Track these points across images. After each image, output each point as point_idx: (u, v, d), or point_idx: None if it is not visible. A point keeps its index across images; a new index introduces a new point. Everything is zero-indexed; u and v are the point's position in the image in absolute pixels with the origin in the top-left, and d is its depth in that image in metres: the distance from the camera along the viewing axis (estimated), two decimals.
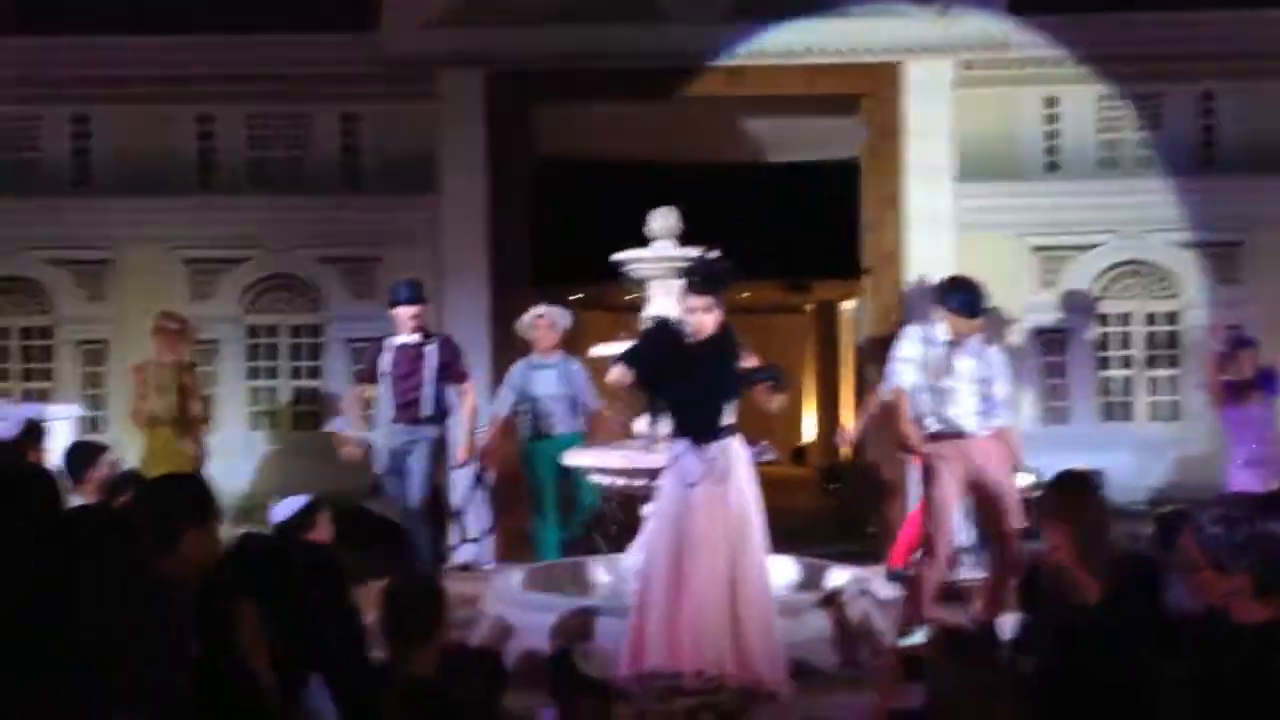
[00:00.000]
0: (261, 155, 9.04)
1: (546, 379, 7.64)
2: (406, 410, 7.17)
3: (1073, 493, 3.93)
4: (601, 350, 6.38)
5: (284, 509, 4.79)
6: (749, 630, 4.85)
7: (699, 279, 5.09)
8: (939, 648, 3.62)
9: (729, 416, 5.03)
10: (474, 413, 7.50)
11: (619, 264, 6.36)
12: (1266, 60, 8.58)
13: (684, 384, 4.97)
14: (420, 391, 7.18)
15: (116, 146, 8.99)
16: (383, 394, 7.27)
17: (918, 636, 4.09)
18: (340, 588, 3.71)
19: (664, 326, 5.21)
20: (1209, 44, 8.56)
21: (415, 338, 7.22)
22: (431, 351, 7.22)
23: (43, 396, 8.56)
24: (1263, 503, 2.68)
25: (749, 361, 5.12)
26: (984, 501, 5.95)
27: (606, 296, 10.92)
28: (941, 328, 6.04)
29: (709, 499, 4.87)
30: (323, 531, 4.86)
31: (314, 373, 9.07)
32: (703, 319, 5.01)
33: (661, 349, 5.04)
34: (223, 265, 8.99)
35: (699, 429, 4.93)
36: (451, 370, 7.30)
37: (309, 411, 9.04)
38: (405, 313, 7.21)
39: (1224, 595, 2.61)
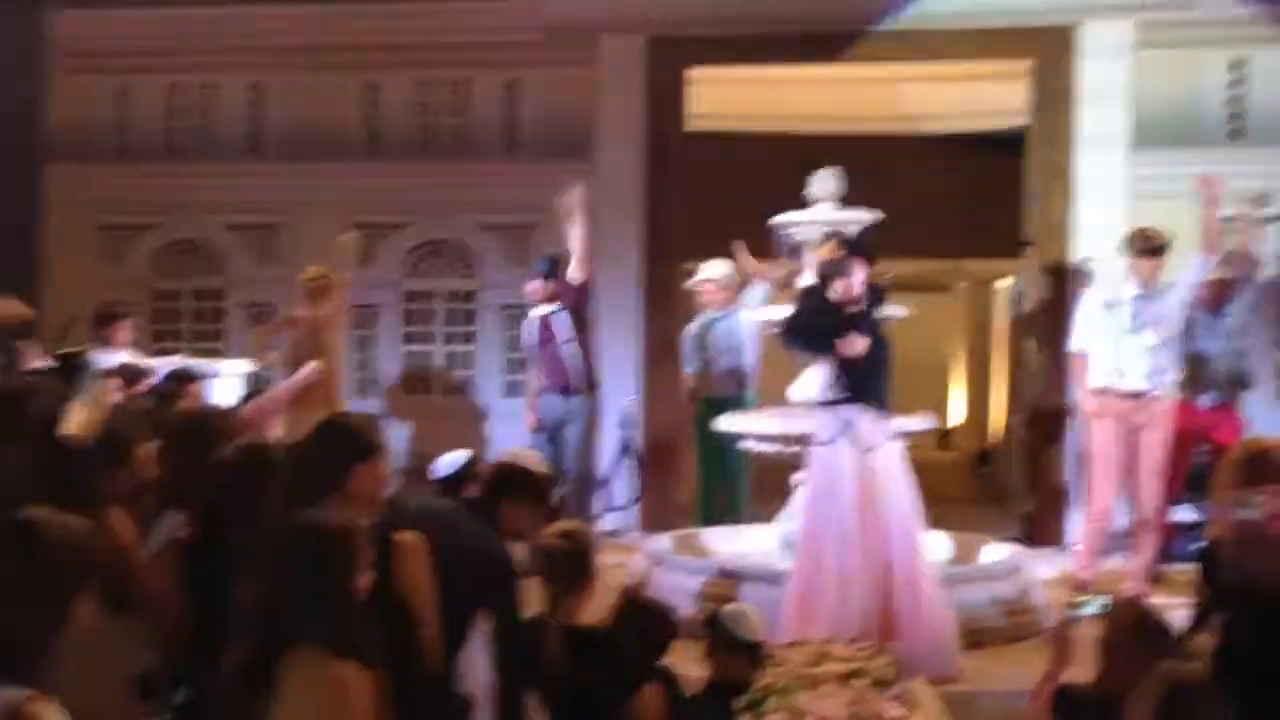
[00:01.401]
0: (426, 122, 9.23)
1: (718, 336, 7.62)
2: (554, 380, 7.29)
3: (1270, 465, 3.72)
4: (761, 314, 6.35)
5: (447, 464, 4.89)
6: (922, 602, 4.80)
7: (855, 248, 5.02)
8: (1117, 624, 3.46)
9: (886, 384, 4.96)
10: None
11: (771, 234, 6.29)
12: None
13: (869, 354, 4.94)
14: (562, 363, 7.28)
15: (287, 114, 9.30)
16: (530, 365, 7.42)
17: (1090, 609, 3.96)
18: (498, 539, 3.75)
19: (818, 293, 5.13)
20: None
21: (545, 309, 7.32)
22: (561, 320, 7.25)
23: (212, 357, 8.91)
24: None
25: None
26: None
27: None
28: (1129, 283, 6.08)
29: (886, 465, 4.86)
30: (474, 489, 4.95)
31: (467, 338, 9.22)
32: (853, 284, 4.93)
33: (828, 316, 4.99)
34: (385, 231, 9.21)
35: (876, 394, 4.91)
36: (581, 336, 7.33)
37: (465, 376, 9.21)
38: (531, 287, 7.38)
39: None
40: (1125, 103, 8.26)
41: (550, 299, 7.34)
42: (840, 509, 4.83)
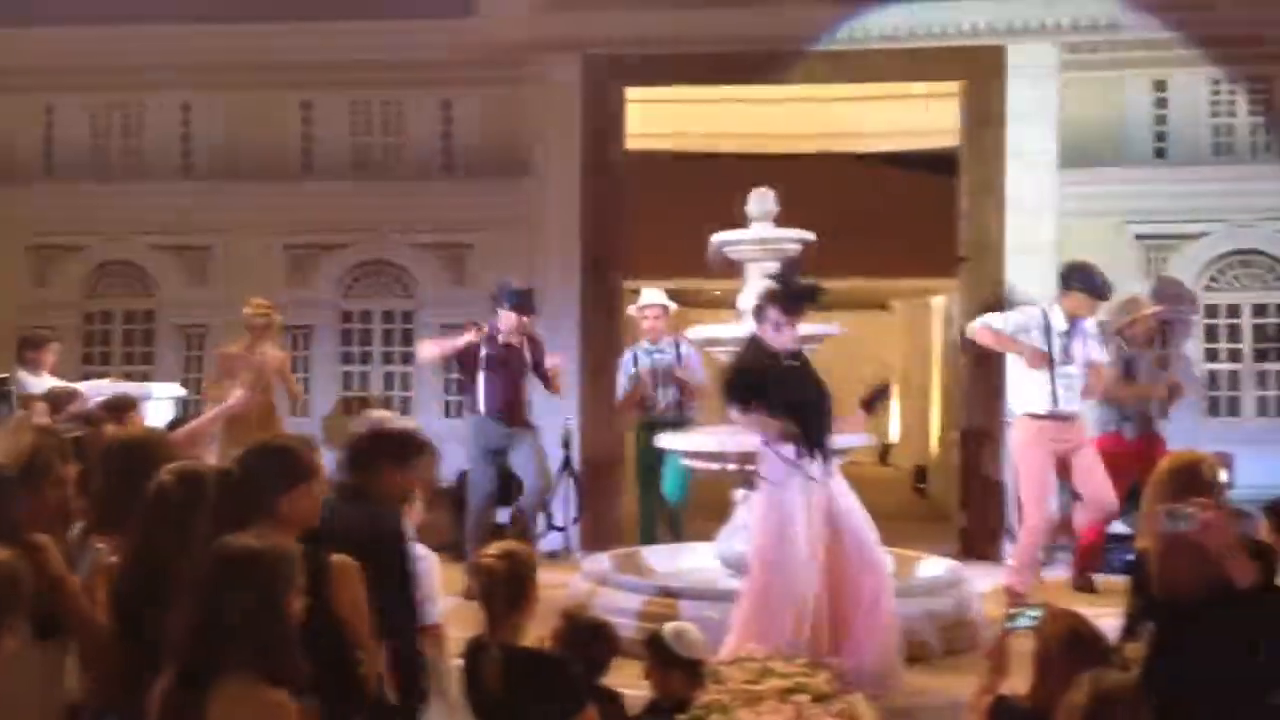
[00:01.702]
0: (362, 141, 9.17)
1: (655, 364, 7.63)
2: (500, 407, 7.04)
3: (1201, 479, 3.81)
4: (702, 332, 6.37)
5: None
6: (877, 621, 4.89)
7: (789, 299, 5.07)
8: (1049, 635, 3.50)
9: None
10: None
11: (711, 255, 6.32)
12: None
13: (806, 400, 5.02)
14: (518, 391, 7.09)
15: (219, 134, 9.18)
16: (480, 386, 7.07)
17: (1024, 621, 3.98)
18: (405, 555, 3.71)
19: (757, 352, 5.18)
20: None
21: (516, 339, 7.07)
22: (525, 352, 7.13)
23: (143, 379, 8.76)
24: None
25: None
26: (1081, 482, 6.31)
27: (696, 290, 10.89)
28: (1058, 313, 6.33)
29: (834, 497, 4.96)
30: (417, 508, 4.91)
31: (406, 358, 9.15)
32: (791, 335, 4.99)
33: (766, 373, 5.05)
34: (320, 251, 9.12)
35: (819, 436, 5.00)
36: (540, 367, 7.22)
37: (403, 397, 9.13)
38: (512, 319, 7.01)
39: None
40: (1053, 122, 8.43)
41: (522, 332, 7.06)
42: (794, 547, 4.88)
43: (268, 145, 9.13)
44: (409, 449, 3.88)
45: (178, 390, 8.27)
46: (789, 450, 4.97)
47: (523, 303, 7.03)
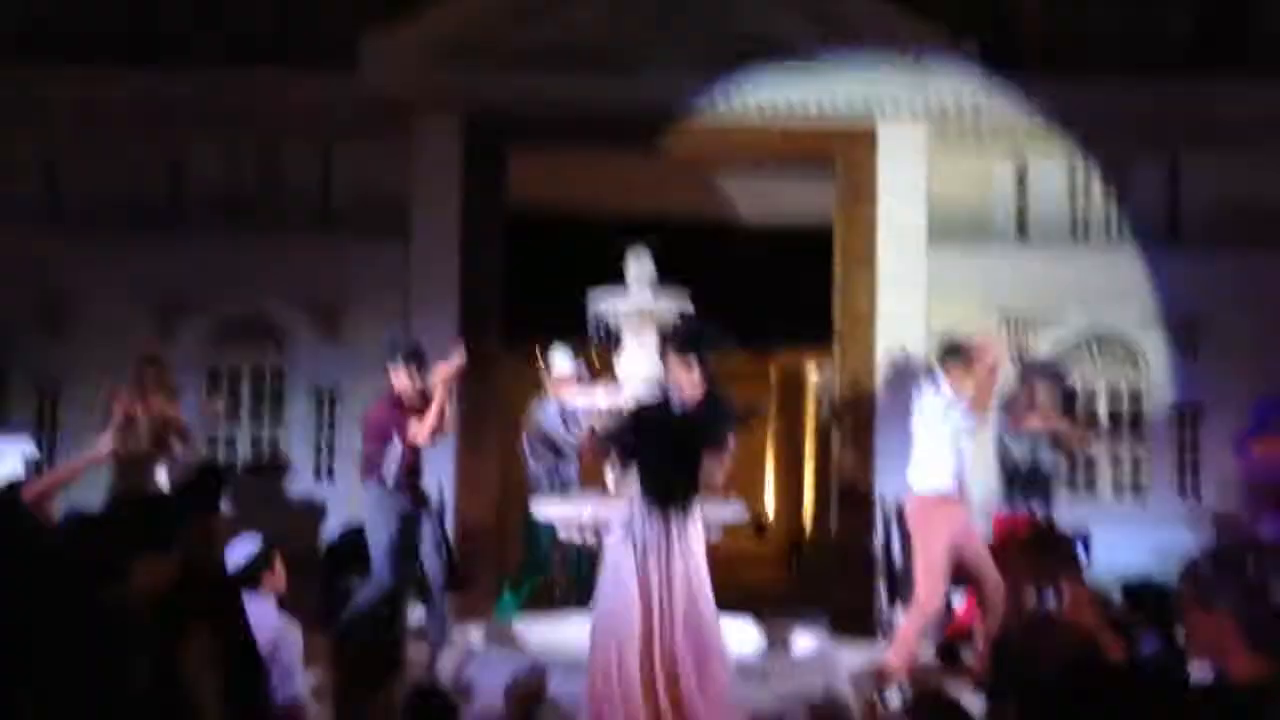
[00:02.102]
0: (235, 193, 8.94)
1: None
2: (413, 476, 6.69)
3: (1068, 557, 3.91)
4: (577, 398, 6.33)
5: (239, 550, 4.67)
6: (704, 692, 4.76)
7: (678, 339, 5.02)
8: (917, 712, 3.52)
9: (698, 482, 4.95)
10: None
11: (588, 319, 6.29)
12: (1234, 128, 8.64)
13: (657, 451, 4.90)
14: (418, 463, 6.72)
15: (88, 182, 8.85)
16: (389, 454, 6.63)
17: (894, 698, 4.01)
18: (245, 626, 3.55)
19: (648, 404, 5.11)
20: (1177, 111, 8.65)
21: (417, 400, 6.73)
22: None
23: None
24: (1265, 551, 2.61)
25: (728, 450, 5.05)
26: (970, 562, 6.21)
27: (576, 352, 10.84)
28: (946, 390, 6.33)
29: (660, 563, 4.81)
30: (279, 575, 4.74)
31: (276, 419, 8.89)
32: (685, 379, 4.91)
33: (637, 424, 4.95)
34: (190, 307, 8.84)
35: (667, 497, 4.86)
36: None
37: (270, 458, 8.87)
38: (401, 383, 6.69)
39: (1211, 639, 2.54)
40: (922, 200, 8.69)
41: (422, 396, 6.71)
42: (624, 607, 4.80)
43: (138, 196, 8.83)
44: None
45: (28, 445, 7.88)
46: (632, 500, 4.91)
47: (417, 356, 6.73)
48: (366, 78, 8.47)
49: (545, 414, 7.63)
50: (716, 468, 4.95)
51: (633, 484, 4.99)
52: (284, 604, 4.70)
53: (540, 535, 7.31)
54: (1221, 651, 2.58)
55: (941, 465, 6.27)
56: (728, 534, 5.66)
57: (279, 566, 4.73)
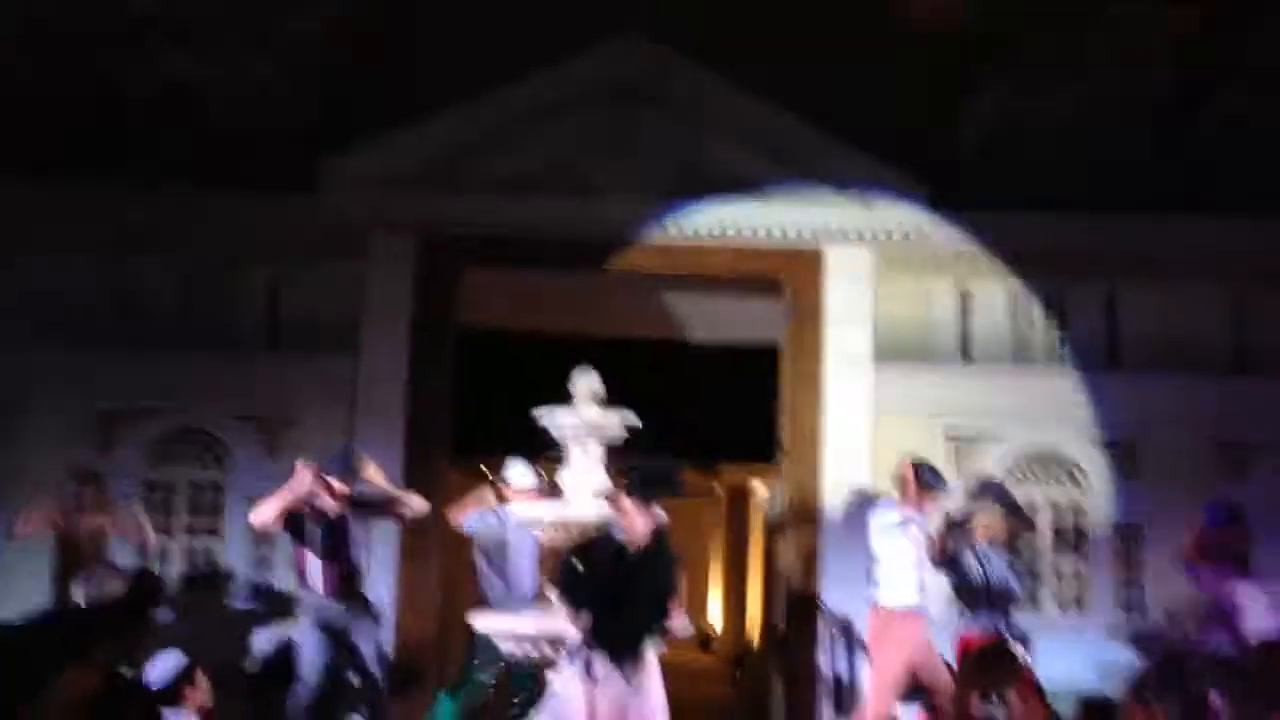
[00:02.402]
0: (184, 310, 8.91)
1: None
2: (348, 584, 6.66)
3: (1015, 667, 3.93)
4: (523, 511, 6.28)
5: (160, 666, 4.58)
6: None
7: (639, 480, 5.02)
8: None
9: (651, 627, 4.92)
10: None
11: (535, 439, 6.30)
12: (1169, 262, 8.98)
13: (609, 598, 4.87)
14: (351, 567, 6.68)
15: (31, 292, 8.79)
16: (312, 567, 6.64)
17: None
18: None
19: (588, 550, 5.09)
20: (1115, 243, 8.95)
21: (339, 510, 6.73)
22: (353, 524, 6.76)
23: None
24: (1203, 659, 2.65)
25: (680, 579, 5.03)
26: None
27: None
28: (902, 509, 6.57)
29: (619, 700, 4.75)
30: (201, 690, 4.65)
31: (213, 531, 8.73)
32: (635, 522, 4.91)
33: (589, 574, 4.91)
34: (133, 417, 8.74)
35: (620, 639, 4.84)
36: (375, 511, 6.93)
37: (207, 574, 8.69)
38: (336, 485, 6.70)
39: None
40: (869, 322, 8.85)
41: (349, 500, 6.72)
42: None
43: (81, 307, 8.78)
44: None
45: None
46: (579, 642, 4.84)
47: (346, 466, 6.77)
48: (324, 201, 8.58)
49: (486, 524, 7.49)
50: (674, 609, 4.96)
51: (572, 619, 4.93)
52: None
53: (483, 643, 7.18)
54: None
55: (904, 580, 6.36)
56: (672, 648, 5.61)
57: (201, 682, 4.64)
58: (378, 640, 6.74)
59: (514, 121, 8.78)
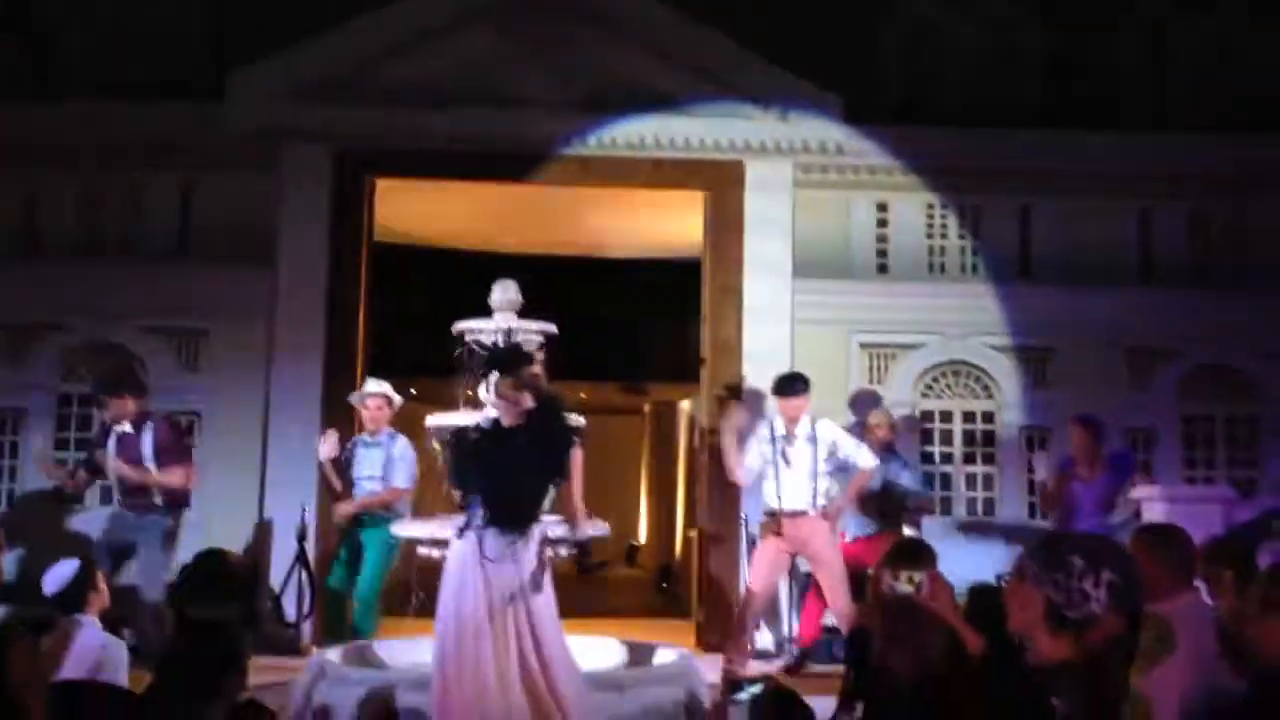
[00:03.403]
0: (92, 222, 8.76)
1: (372, 459, 7.46)
2: (132, 496, 7.10)
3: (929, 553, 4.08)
4: (439, 420, 6.31)
5: (56, 578, 4.58)
6: (552, 703, 4.80)
7: (497, 363, 5.09)
8: (759, 705, 3.62)
9: (536, 503, 5.00)
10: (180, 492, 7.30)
11: (455, 358, 6.31)
12: (1079, 178, 9.16)
13: (494, 474, 4.94)
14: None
15: None
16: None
17: (744, 695, 4.11)
18: None
19: (469, 430, 5.20)
20: (1027, 159, 9.10)
21: (127, 426, 7.20)
22: (146, 439, 7.12)
23: None
24: (1090, 542, 2.75)
25: (574, 466, 5.11)
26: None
27: (442, 391, 10.75)
28: (778, 421, 7.02)
29: (499, 581, 4.83)
30: (102, 593, 4.67)
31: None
32: (514, 397, 4.98)
33: (474, 453, 5.01)
34: (43, 332, 8.60)
35: (504, 517, 4.90)
36: (164, 454, 7.18)
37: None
38: (112, 406, 7.21)
39: (1022, 613, 2.67)
40: (787, 234, 8.94)
41: (120, 416, 7.19)
42: (461, 616, 4.82)
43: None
44: None
45: None
46: (468, 522, 4.95)
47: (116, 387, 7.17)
48: (232, 112, 8.41)
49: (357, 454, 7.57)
50: (568, 488, 5.06)
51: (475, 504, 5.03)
52: (106, 621, 4.63)
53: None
54: (1031, 628, 2.71)
55: (768, 485, 6.98)
56: (601, 559, 5.72)
57: (101, 585, 4.67)
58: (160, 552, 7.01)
59: (428, 30, 8.64)
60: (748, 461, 7.20)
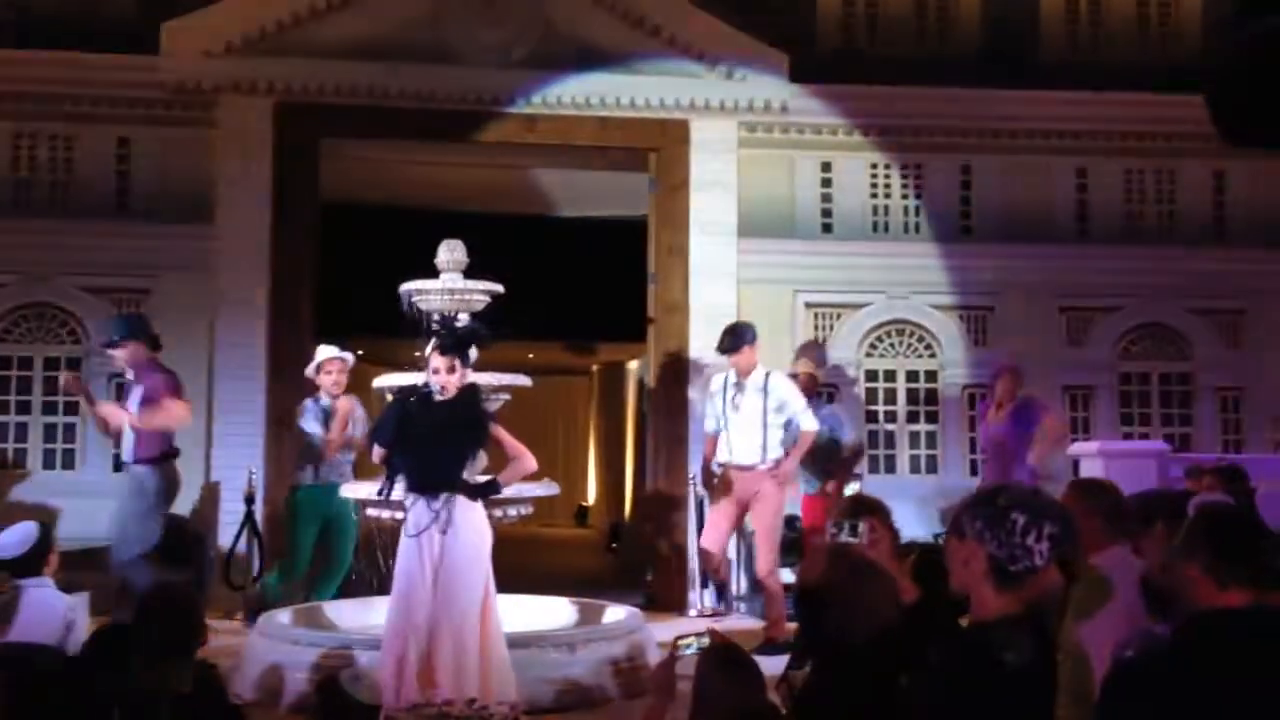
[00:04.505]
0: (28, 177, 8.58)
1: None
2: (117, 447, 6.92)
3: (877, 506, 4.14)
4: (387, 381, 6.30)
5: (15, 537, 4.54)
6: (479, 661, 4.95)
7: (444, 340, 5.18)
8: (702, 659, 3.66)
9: (460, 472, 5.12)
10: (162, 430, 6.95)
11: (402, 318, 6.30)
12: (1019, 136, 9.30)
13: (415, 443, 5.10)
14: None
15: None
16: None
17: (692, 648, 4.15)
18: None
19: (403, 394, 5.28)
20: (967, 119, 9.22)
21: (129, 375, 6.94)
22: (136, 390, 6.82)
23: None
24: (1028, 497, 2.78)
25: (498, 433, 5.26)
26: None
27: (389, 352, 10.73)
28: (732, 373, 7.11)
29: (430, 547, 4.98)
30: (56, 557, 4.64)
31: (70, 408, 8.53)
32: (446, 379, 5.09)
33: (399, 416, 5.13)
34: None
35: (424, 483, 5.06)
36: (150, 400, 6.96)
37: (67, 450, 8.54)
38: (114, 354, 6.96)
39: (962, 569, 2.72)
40: (733, 194, 8.97)
41: (129, 363, 6.84)
42: (406, 586, 4.97)
43: None
44: None
45: None
46: (403, 490, 5.08)
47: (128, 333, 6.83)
48: (166, 66, 8.27)
49: (305, 412, 7.52)
50: (515, 449, 5.16)
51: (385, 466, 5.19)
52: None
53: (301, 521, 7.29)
54: (974, 584, 2.76)
55: (732, 438, 7.01)
56: (551, 521, 5.78)
57: (56, 548, 4.64)
58: (133, 503, 6.69)
59: None
60: (706, 423, 7.30)
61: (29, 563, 4.48)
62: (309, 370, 7.51)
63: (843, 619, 3.65)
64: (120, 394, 7.59)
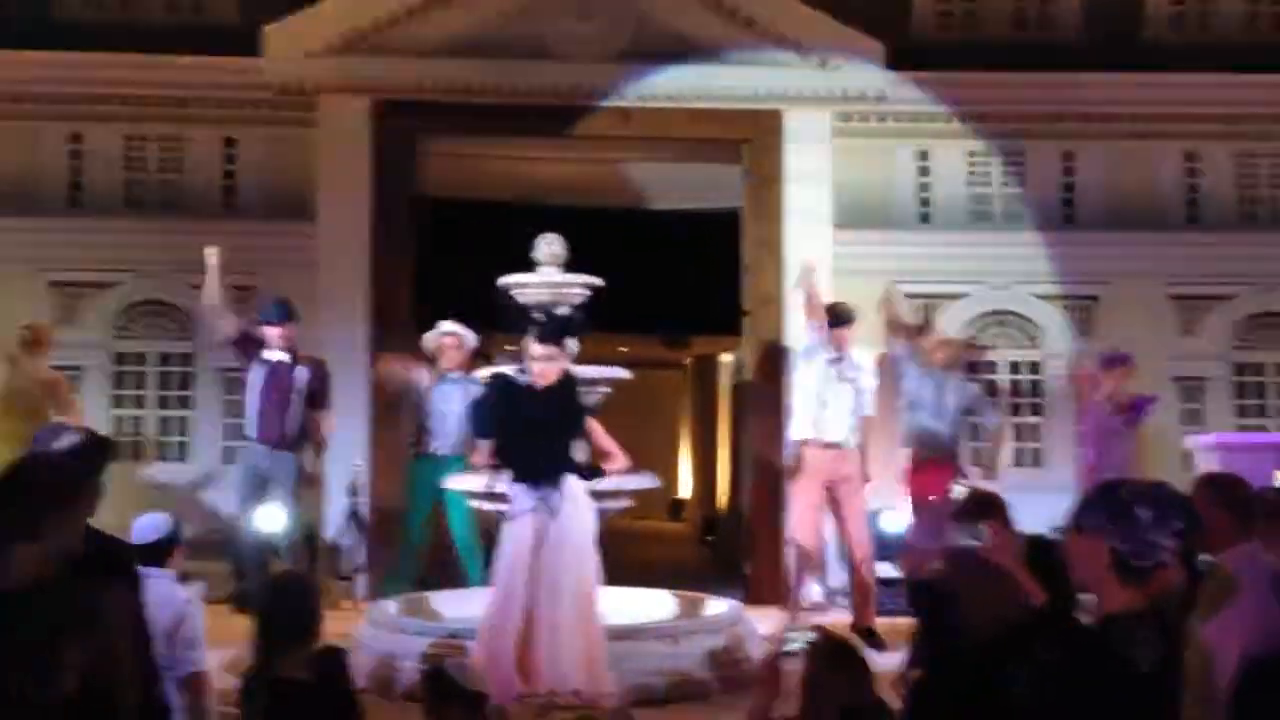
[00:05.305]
0: (136, 177, 8.84)
1: (449, 395, 7.55)
2: (270, 431, 7.13)
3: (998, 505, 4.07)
4: (488, 372, 6.38)
5: (146, 528, 4.65)
6: (579, 652, 5.00)
7: (544, 329, 5.22)
8: (811, 655, 3.62)
9: (565, 458, 5.16)
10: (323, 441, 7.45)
11: (498, 310, 6.38)
12: (1123, 120, 9.05)
13: (518, 431, 5.17)
14: (286, 413, 7.12)
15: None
16: (248, 410, 7.29)
17: (797, 644, 4.12)
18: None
19: (498, 383, 5.33)
20: (1068, 104, 9.00)
21: (285, 357, 7.23)
22: (301, 374, 7.10)
23: None
24: (1153, 491, 2.71)
25: (592, 427, 5.33)
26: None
27: (485, 345, 10.81)
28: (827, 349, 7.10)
29: (536, 535, 5.03)
30: (180, 556, 4.75)
31: (183, 402, 8.79)
32: (544, 368, 5.11)
33: (500, 406, 5.17)
34: (87, 290, 8.72)
35: (528, 471, 5.12)
36: (318, 396, 7.22)
37: (179, 442, 8.79)
38: (273, 332, 7.26)
39: (1085, 565, 2.66)
40: (827, 184, 8.87)
41: (288, 347, 7.26)
42: (510, 575, 5.05)
43: (34, 178, 8.69)
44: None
45: None
46: (508, 480, 5.13)
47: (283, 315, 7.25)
48: (270, 68, 8.44)
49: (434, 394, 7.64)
50: (606, 446, 5.19)
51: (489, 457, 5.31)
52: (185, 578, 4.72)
53: (417, 513, 7.39)
54: (1098, 580, 2.70)
55: (808, 414, 6.98)
56: (645, 515, 5.83)
57: (181, 545, 4.75)
58: (293, 488, 7.14)
59: None
60: (802, 379, 7.19)
61: (155, 552, 4.58)
62: (428, 337, 7.63)
63: (966, 621, 3.59)
64: (229, 388, 7.77)
